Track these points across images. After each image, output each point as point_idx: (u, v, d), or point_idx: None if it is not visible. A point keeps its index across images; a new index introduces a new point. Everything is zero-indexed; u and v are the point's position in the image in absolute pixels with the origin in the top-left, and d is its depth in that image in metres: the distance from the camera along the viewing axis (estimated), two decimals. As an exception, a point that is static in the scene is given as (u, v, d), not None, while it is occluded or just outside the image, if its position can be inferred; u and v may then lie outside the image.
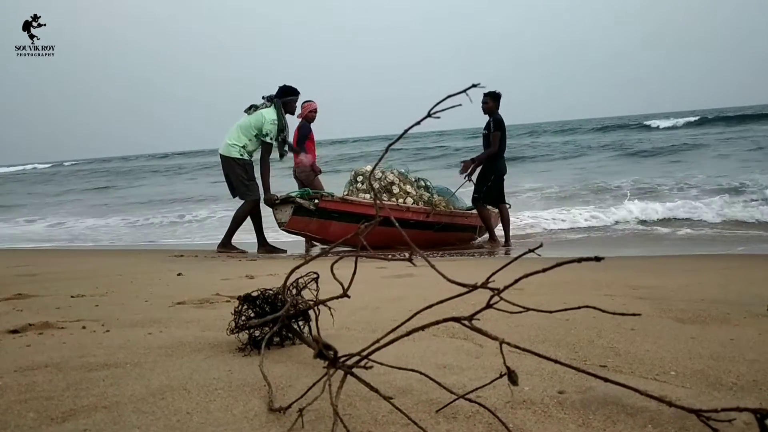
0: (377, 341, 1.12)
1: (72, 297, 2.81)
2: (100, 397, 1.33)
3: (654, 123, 31.54)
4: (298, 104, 6.49)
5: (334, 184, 6.99)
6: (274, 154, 6.14)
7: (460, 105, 1.01)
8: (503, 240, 6.57)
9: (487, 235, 7.17)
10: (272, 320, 1.66)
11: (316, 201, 5.76)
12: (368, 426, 1.17)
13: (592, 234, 7.12)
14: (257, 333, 1.73)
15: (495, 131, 6.41)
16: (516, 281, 0.98)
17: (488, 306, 1.02)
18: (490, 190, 6.46)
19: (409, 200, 6.37)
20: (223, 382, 1.43)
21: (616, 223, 7.55)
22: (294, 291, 1.73)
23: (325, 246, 6.27)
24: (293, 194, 5.82)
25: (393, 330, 1.15)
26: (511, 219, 6.86)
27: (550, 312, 1.06)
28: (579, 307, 1.06)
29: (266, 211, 6.14)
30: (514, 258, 1.06)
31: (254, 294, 1.77)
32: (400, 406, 1.18)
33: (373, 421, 1.19)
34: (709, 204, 7.82)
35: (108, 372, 1.52)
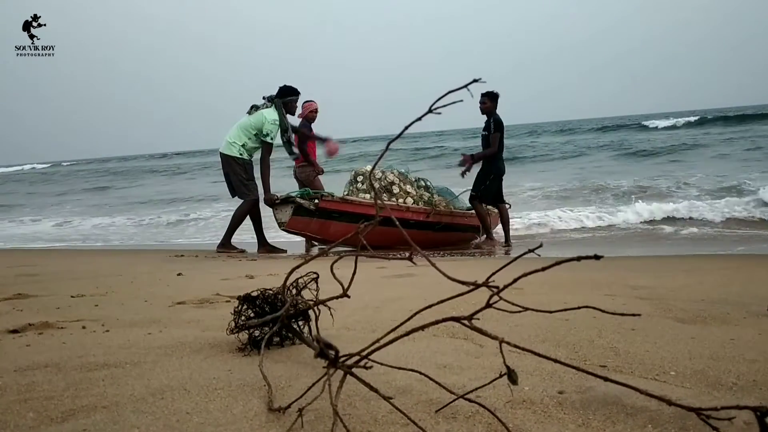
0: (377, 341, 1.12)
1: (72, 297, 2.81)
2: (99, 397, 1.33)
3: (653, 123, 31.54)
4: (299, 104, 6.50)
5: (334, 184, 6.99)
6: (275, 154, 6.14)
7: (461, 101, 1.01)
8: (503, 240, 6.57)
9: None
10: (272, 320, 1.66)
11: (316, 201, 5.76)
12: (368, 426, 1.17)
13: (597, 233, 7.12)
14: (257, 333, 1.73)
15: (495, 132, 6.41)
16: (515, 280, 0.98)
17: (488, 305, 1.02)
18: (488, 189, 6.46)
19: (410, 200, 6.37)
20: (222, 382, 1.43)
21: (622, 222, 7.54)
22: (294, 291, 1.73)
23: (324, 246, 6.27)
24: (293, 194, 5.83)
25: (393, 330, 1.15)
26: (520, 219, 6.85)
27: (550, 312, 1.06)
28: (579, 307, 1.06)
29: (266, 211, 6.14)
30: (514, 258, 1.06)
31: (254, 294, 1.77)
32: (399, 406, 1.18)
33: (372, 421, 1.19)
34: (713, 204, 7.82)
35: (108, 372, 1.52)
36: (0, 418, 1.22)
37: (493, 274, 1.02)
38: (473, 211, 6.68)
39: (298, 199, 5.73)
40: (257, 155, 6.07)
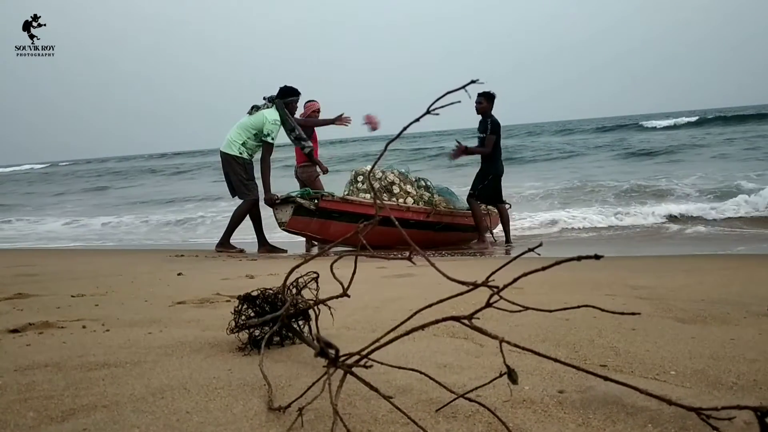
0: (377, 340, 1.12)
1: (72, 296, 2.81)
2: (99, 397, 1.33)
3: (653, 123, 31.56)
4: (300, 104, 6.50)
5: (334, 184, 6.99)
6: (276, 154, 6.14)
7: (459, 102, 1.01)
8: (503, 240, 6.56)
9: (487, 234, 7.17)
10: (272, 320, 1.66)
11: (317, 201, 5.76)
12: (368, 425, 1.17)
13: (603, 233, 7.13)
14: (257, 332, 1.73)
15: (491, 134, 6.38)
16: (515, 279, 0.98)
17: (488, 305, 1.02)
18: (486, 189, 6.45)
19: (410, 200, 6.37)
20: (222, 382, 1.43)
21: (628, 222, 7.54)
22: (294, 290, 1.73)
23: (324, 246, 6.27)
24: (294, 194, 5.83)
25: (393, 329, 1.15)
26: (530, 219, 6.83)
27: (550, 311, 1.06)
28: (579, 307, 1.06)
29: (266, 211, 6.14)
30: (513, 257, 1.06)
31: (254, 293, 1.77)
32: (399, 405, 1.18)
33: (372, 421, 1.19)
34: (716, 204, 7.82)
35: (108, 371, 1.52)
36: (0, 417, 1.22)
37: (493, 273, 1.02)
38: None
39: (298, 199, 5.73)
40: (258, 155, 6.08)
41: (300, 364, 1.59)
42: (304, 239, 6.55)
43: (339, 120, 6.54)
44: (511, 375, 1.01)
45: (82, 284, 3.30)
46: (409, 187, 6.48)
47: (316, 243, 6.52)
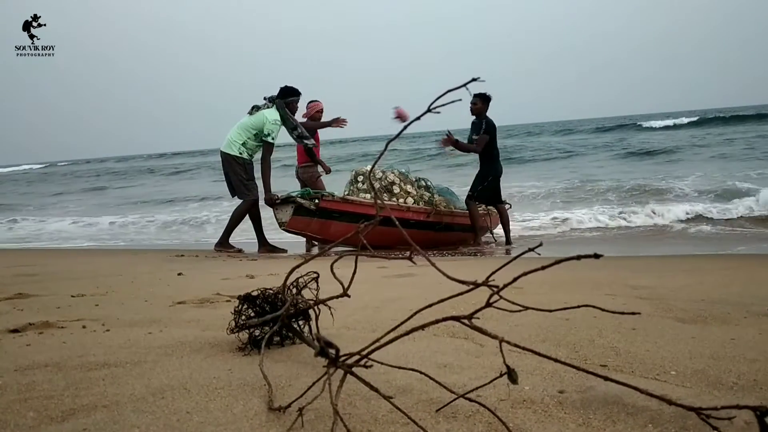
0: (377, 340, 1.12)
1: (72, 296, 2.81)
2: (99, 397, 1.33)
3: (653, 123, 31.58)
4: (303, 104, 6.52)
5: (334, 184, 6.99)
6: (276, 154, 6.14)
7: (459, 100, 1.01)
8: (503, 240, 6.56)
9: (488, 234, 7.17)
10: (272, 320, 1.66)
11: (317, 201, 5.76)
12: (368, 425, 1.17)
13: (608, 233, 7.13)
14: (257, 332, 1.73)
15: (483, 134, 6.34)
16: (515, 279, 0.98)
17: (488, 305, 1.01)
18: (486, 191, 6.44)
19: (410, 200, 6.37)
20: (223, 382, 1.43)
21: (630, 222, 7.54)
22: (294, 290, 1.73)
23: (325, 246, 6.27)
24: (294, 194, 5.83)
25: (393, 329, 1.15)
26: (533, 218, 6.81)
27: (550, 311, 1.06)
28: (579, 306, 1.06)
29: (266, 212, 6.14)
30: (514, 257, 1.06)
31: (254, 293, 1.77)
32: (400, 405, 1.18)
33: (373, 421, 1.19)
34: (719, 204, 7.82)
35: (108, 371, 1.52)
36: (0, 417, 1.22)
37: (493, 273, 1.02)
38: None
39: (298, 199, 5.73)
40: (258, 155, 6.08)
41: (300, 364, 1.59)
42: (304, 239, 6.55)
43: (336, 122, 6.60)
44: (511, 375, 1.01)
45: (82, 284, 3.30)
46: (409, 187, 6.48)
47: (316, 243, 6.52)
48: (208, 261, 5.02)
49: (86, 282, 3.41)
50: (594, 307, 1.03)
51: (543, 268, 0.95)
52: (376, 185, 6.36)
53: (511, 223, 6.81)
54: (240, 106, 6.26)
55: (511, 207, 7.45)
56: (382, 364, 1.28)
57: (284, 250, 6.10)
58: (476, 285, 0.99)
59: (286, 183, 8.18)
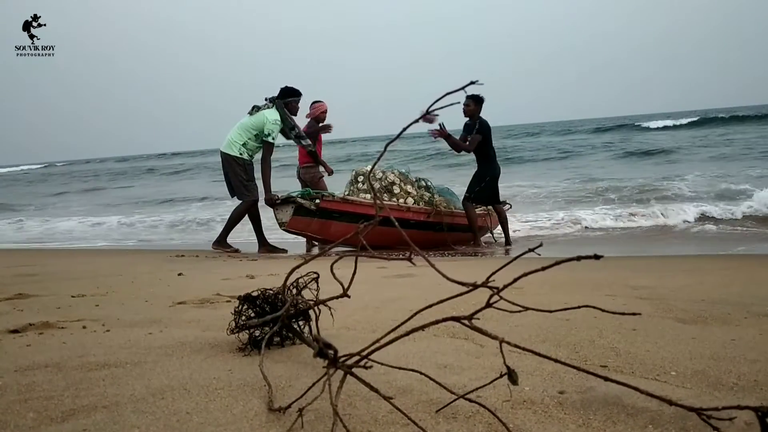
0: (377, 341, 1.12)
1: (72, 297, 2.81)
2: (100, 397, 1.33)
3: (653, 124, 31.59)
4: (306, 105, 6.54)
5: (335, 184, 6.99)
6: (276, 154, 6.15)
7: (458, 103, 1.01)
8: (503, 240, 6.56)
9: (488, 235, 7.17)
10: (272, 320, 1.66)
11: (317, 201, 5.76)
12: (368, 426, 1.17)
13: (609, 233, 7.13)
14: (257, 333, 1.73)
15: (476, 134, 6.31)
16: (515, 280, 0.97)
17: (488, 305, 1.01)
18: (483, 191, 6.42)
19: (410, 200, 6.37)
20: (223, 382, 1.43)
21: (637, 222, 7.54)
22: (294, 291, 1.73)
23: (325, 246, 6.27)
24: (294, 194, 5.83)
25: (393, 330, 1.15)
26: (542, 220, 6.77)
27: (550, 311, 1.06)
28: (579, 307, 1.06)
29: (266, 212, 6.14)
30: (514, 257, 1.06)
31: (254, 294, 1.77)
32: (400, 406, 1.18)
33: (372, 421, 1.19)
34: (721, 203, 7.81)
35: (108, 372, 1.52)
36: (0, 418, 1.22)
37: (493, 274, 1.02)
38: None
39: (298, 199, 5.73)
40: (258, 155, 6.09)
41: (300, 364, 1.59)
42: (304, 239, 6.55)
43: (324, 129, 6.73)
44: (511, 376, 1.01)
45: (82, 284, 3.30)
46: (409, 188, 6.48)
47: (316, 243, 6.52)
48: (209, 261, 5.02)
49: (86, 282, 3.41)
50: (594, 307, 1.03)
51: (543, 269, 0.95)
52: (377, 185, 6.36)
53: (516, 223, 6.81)
54: (240, 106, 6.28)
55: (511, 207, 7.44)
56: (382, 364, 1.28)
57: (284, 251, 6.10)
58: (475, 286, 0.99)
59: (287, 183, 8.17)
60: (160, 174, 29.13)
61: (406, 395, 1.32)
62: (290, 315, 1.66)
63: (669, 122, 31.01)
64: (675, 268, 3.77)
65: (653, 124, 31.00)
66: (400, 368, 1.31)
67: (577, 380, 1.40)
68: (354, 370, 1.12)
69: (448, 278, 1.04)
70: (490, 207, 6.78)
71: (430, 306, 1.12)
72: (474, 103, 6.37)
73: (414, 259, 1.22)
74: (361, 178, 6.46)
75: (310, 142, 6.34)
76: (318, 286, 1.78)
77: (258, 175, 6.04)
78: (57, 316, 2.30)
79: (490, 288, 0.98)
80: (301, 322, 1.77)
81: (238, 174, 6.00)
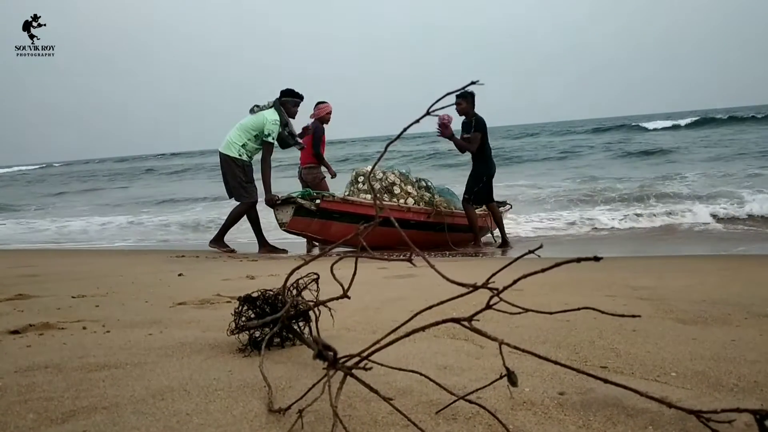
0: (377, 342, 1.12)
1: (73, 297, 2.81)
2: (100, 398, 1.33)
3: (653, 124, 31.59)
4: (311, 105, 6.56)
5: (335, 185, 6.99)
6: (277, 155, 6.16)
7: (459, 103, 1.01)
8: (499, 240, 6.54)
9: (488, 235, 7.17)
10: (272, 321, 1.66)
11: (318, 201, 5.76)
12: (368, 427, 1.17)
13: (611, 233, 7.14)
14: (257, 334, 1.73)
15: (475, 132, 6.24)
16: (515, 282, 0.98)
17: (488, 307, 1.01)
18: (481, 192, 6.38)
19: (410, 201, 6.37)
20: (223, 383, 1.43)
21: (644, 222, 7.55)
22: (294, 292, 1.73)
23: (325, 246, 6.27)
24: (294, 194, 5.83)
25: (393, 331, 1.15)
26: (543, 220, 6.75)
27: (550, 313, 1.06)
28: (578, 309, 1.06)
29: (266, 213, 6.14)
30: (514, 259, 1.06)
31: (254, 295, 1.77)
32: (400, 407, 1.18)
33: (372, 422, 1.19)
34: (722, 204, 7.82)
35: (108, 373, 1.52)
36: (0, 419, 1.22)
37: (493, 275, 1.02)
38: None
39: (299, 200, 5.73)
40: (258, 156, 6.09)
41: (300, 365, 1.59)
42: (304, 240, 6.55)
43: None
44: (511, 377, 1.01)
45: (82, 285, 3.30)
46: (409, 188, 6.48)
47: (317, 243, 6.52)
48: (209, 262, 5.02)
49: (87, 283, 3.41)
50: (594, 309, 1.03)
51: (543, 270, 0.95)
52: (377, 186, 6.35)
53: (516, 223, 6.80)
54: (239, 107, 6.30)
55: (511, 207, 7.44)
56: (382, 365, 1.28)
57: (285, 251, 6.10)
58: (475, 288, 0.99)
59: (288, 184, 8.16)
60: (160, 174, 29.16)
61: (406, 396, 1.32)
62: (290, 316, 1.66)
63: (669, 123, 31.02)
64: (675, 269, 3.77)
65: (655, 125, 31.02)
66: (400, 369, 1.32)
67: (577, 381, 1.40)
68: (354, 371, 1.12)
69: (448, 279, 1.04)
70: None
71: (431, 307, 1.12)
72: (465, 101, 6.26)
73: (414, 259, 1.22)
74: (361, 179, 6.46)
75: (301, 142, 6.34)
76: (318, 286, 1.78)
77: (258, 176, 6.05)
78: (57, 316, 2.30)
79: (490, 289, 0.98)
80: (301, 323, 1.77)
81: (236, 175, 6.00)
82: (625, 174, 13.22)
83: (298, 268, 1.52)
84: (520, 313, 1.04)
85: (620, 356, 1.63)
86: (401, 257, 1.25)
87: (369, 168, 6.69)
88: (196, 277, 3.76)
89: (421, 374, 1.26)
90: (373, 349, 1.13)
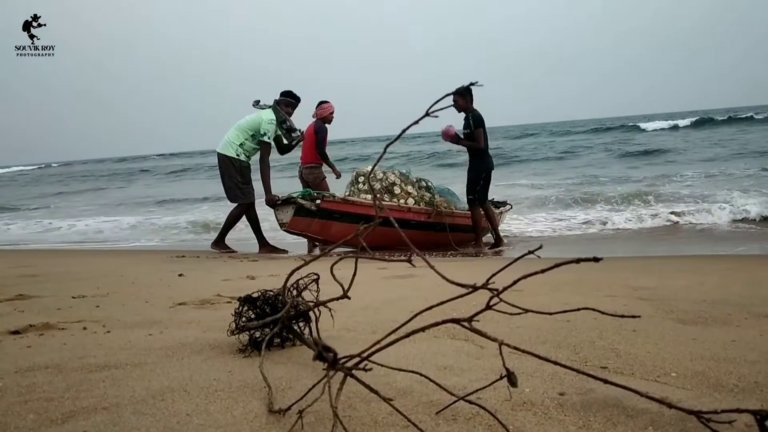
0: (377, 342, 1.12)
1: (73, 298, 2.81)
2: (100, 399, 1.33)
3: (654, 125, 31.59)
4: (312, 105, 6.56)
5: (335, 185, 7.00)
6: (275, 155, 6.17)
7: (456, 101, 1.01)
8: (494, 240, 6.52)
9: (488, 235, 7.16)
10: (272, 321, 1.66)
11: (318, 201, 5.76)
12: (368, 428, 1.17)
13: (612, 233, 7.14)
14: (258, 334, 1.73)
15: (477, 128, 6.14)
16: (515, 282, 0.98)
17: (488, 307, 1.01)
18: (483, 190, 6.31)
19: (411, 201, 6.37)
20: (223, 384, 1.43)
21: (631, 222, 7.55)
22: (294, 292, 1.73)
23: (325, 247, 6.27)
24: (295, 195, 5.83)
25: (393, 331, 1.15)
26: (545, 220, 6.70)
27: (550, 314, 1.06)
28: (578, 309, 1.06)
29: (267, 212, 6.15)
30: (514, 259, 1.06)
31: (255, 295, 1.77)
32: (400, 407, 1.18)
33: (373, 423, 1.19)
34: (723, 204, 7.82)
35: (108, 373, 1.52)
36: (0, 419, 1.22)
37: (493, 275, 1.02)
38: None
39: (299, 200, 5.73)
40: (257, 157, 6.10)
41: (300, 366, 1.59)
42: (305, 240, 6.55)
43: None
44: (511, 378, 1.01)
45: (82, 285, 3.30)
46: (410, 188, 6.47)
47: (318, 243, 6.52)
48: (209, 262, 5.02)
49: (87, 283, 3.42)
50: (594, 310, 1.03)
51: (542, 271, 0.95)
52: (377, 186, 6.35)
53: (521, 223, 6.78)
54: (239, 107, 6.34)
55: (512, 208, 7.43)
56: (382, 366, 1.28)
57: (285, 251, 6.10)
58: (475, 288, 0.99)
59: (289, 184, 8.16)
60: (160, 174, 29.17)
61: (406, 397, 1.32)
62: (290, 316, 1.66)
63: (667, 124, 31.04)
64: (676, 269, 3.77)
65: (653, 125, 31.04)
66: (400, 370, 1.32)
67: (578, 382, 1.40)
68: (354, 371, 1.12)
69: (447, 280, 1.04)
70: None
71: (431, 307, 1.12)
72: (462, 98, 6.14)
73: (414, 260, 1.22)
74: (361, 179, 6.46)
75: (299, 135, 6.35)
76: (318, 287, 1.78)
77: (257, 175, 6.06)
78: (57, 317, 2.30)
79: (490, 290, 0.98)
80: (301, 324, 1.77)
81: (233, 176, 6.02)
82: (625, 174, 13.22)
83: (299, 268, 1.52)
84: (520, 313, 1.04)
85: (620, 356, 1.63)
86: (401, 258, 1.25)
87: (369, 168, 6.69)
88: (196, 278, 3.76)
89: (421, 375, 1.26)
90: (373, 349, 1.13)
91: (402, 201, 6.33)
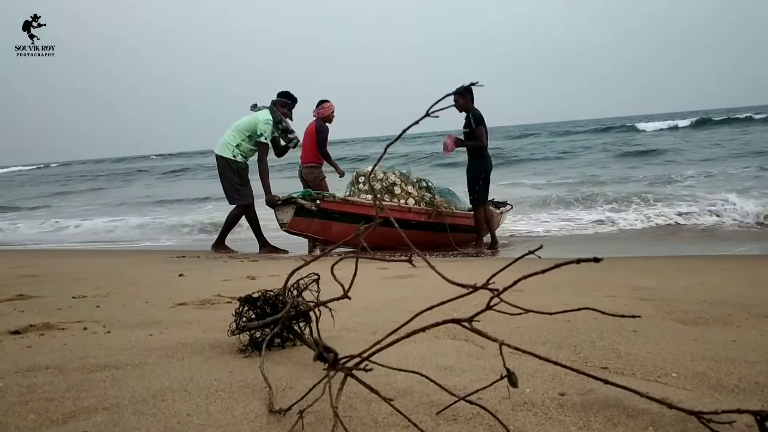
0: (378, 343, 1.12)
1: (73, 298, 2.81)
2: (100, 399, 1.33)
3: (654, 125, 31.59)
4: (312, 105, 6.56)
5: (335, 185, 7.00)
6: (271, 155, 6.18)
7: (457, 100, 1.01)
8: (499, 241, 6.53)
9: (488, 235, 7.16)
10: (273, 322, 1.66)
11: (318, 202, 5.76)
12: (368, 428, 1.17)
13: (624, 233, 7.13)
14: (258, 334, 1.73)
15: (478, 126, 6.13)
16: (515, 283, 0.98)
17: (488, 308, 1.01)
18: (484, 190, 6.32)
19: (411, 201, 6.37)
20: (223, 384, 1.43)
21: (631, 223, 7.55)
22: (295, 292, 1.73)
23: (326, 247, 6.27)
24: (295, 195, 5.83)
25: (394, 331, 1.15)
26: (565, 219, 6.67)
27: (550, 314, 1.06)
28: (579, 309, 1.06)
29: (267, 213, 6.15)
30: (515, 259, 1.06)
31: (255, 295, 1.77)
32: (400, 407, 1.18)
33: (373, 423, 1.19)
34: (723, 204, 7.82)
35: (109, 373, 1.52)
36: (1, 419, 1.22)
37: (493, 276, 1.02)
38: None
39: (299, 200, 5.73)
40: (254, 158, 6.11)
41: (301, 366, 1.59)
42: (306, 240, 6.55)
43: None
44: (511, 378, 1.01)
45: (83, 285, 3.30)
46: (410, 188, 6.47)
47: (318, 244, 6.53)
48: (209, 262, 5.02)
49: (87, 283, 3.42)
50: (594, 310, 1.03)
51: (543, 271, 0.95)
52: (377, 186, 6.35)
53: (521, 223, 6.78)
54: (239, 107, 6.36)
55: (512, 208, 7.43)
56: (382, 366, 1.28)
57: (285, 251, 6.10)
58: (475, 288, 0.99)
59: (289, 184, 8.15)
60: (161, 174, 29.16)
61: (406, 397, 1.32)
62: (291, 316, 1.66)
63: (665, 124, 31.06)
64: (676, 269, 3.77)
65: (652, 126, 31.06)
66: (400, 370, 1.32)
67: (578, 382, 1.40)
68: (354, 372, 1.12)
69: (448, 280, 1.04)
70: (492, 207, 6.76)
71: (431, 308, 1.12)
72: (462, 98, 6.14)
73: (414, 260, 1.22)
74: (362, 179, 6.46)
75: (296, 136, 6.34)
76: (318, 287, 1.78)
77: (256, 176, 6.06)
78: (58, 317, 2.30)
79: (490, 290, 0.98)
80: (301, 324, 1.77)
81: (230, 178, 6.03)
82: (625, 174, 13.22)
83: (299, 268, 1.52)
84: (520, 313, 1.04)
85: (621, 357, 1.63)
86: (402, 258, 1.25)
87: (370, 168, 6.69)
88: (196, 278, 3.76)
89: (421, 375, 1.26)
90: (373, 349, 1.13)
91: (402, 201, 6.33)
